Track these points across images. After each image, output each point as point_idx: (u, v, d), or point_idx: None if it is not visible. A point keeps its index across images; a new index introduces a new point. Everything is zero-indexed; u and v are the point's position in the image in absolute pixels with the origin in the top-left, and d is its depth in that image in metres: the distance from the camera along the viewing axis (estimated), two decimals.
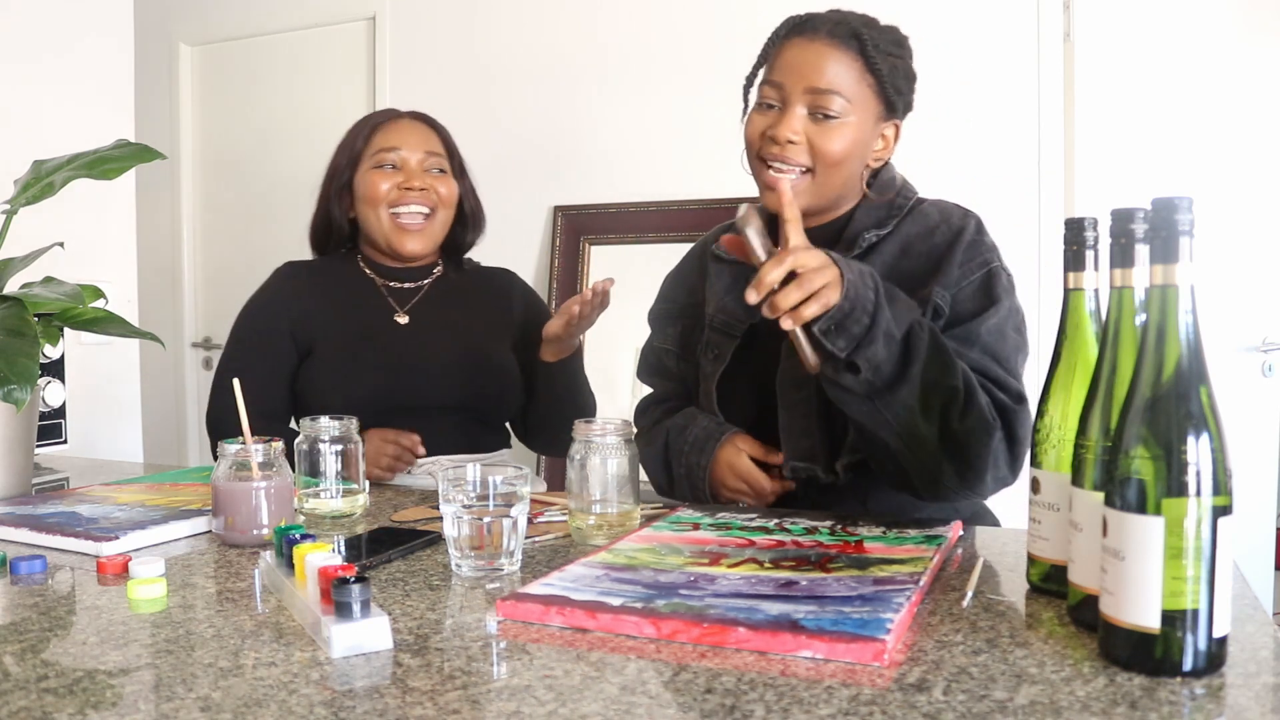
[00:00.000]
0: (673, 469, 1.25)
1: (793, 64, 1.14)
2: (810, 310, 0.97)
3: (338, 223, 1.63)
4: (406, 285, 1.64)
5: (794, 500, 1.21)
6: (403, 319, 1.60)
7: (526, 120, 2.86)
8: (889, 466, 1.11)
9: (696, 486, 1.22)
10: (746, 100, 1.22)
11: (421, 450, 1.45)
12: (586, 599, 0.77)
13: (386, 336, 1.57)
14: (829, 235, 1.22)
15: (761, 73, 1.20)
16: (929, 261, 1.15)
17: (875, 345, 1.00)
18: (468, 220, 1.68)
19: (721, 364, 1.23)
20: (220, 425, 1.52)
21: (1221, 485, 0.62)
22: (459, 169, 1.67)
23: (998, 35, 2.39)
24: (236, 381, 1.10)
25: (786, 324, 0.98)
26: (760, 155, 1.18)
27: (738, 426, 1.23)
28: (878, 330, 1.00)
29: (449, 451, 1.52)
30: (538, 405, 1.61)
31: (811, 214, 1.19)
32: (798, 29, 1.16)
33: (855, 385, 1.03)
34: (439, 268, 1.68)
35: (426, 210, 1.59)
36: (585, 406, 1.62)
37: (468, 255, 1.74)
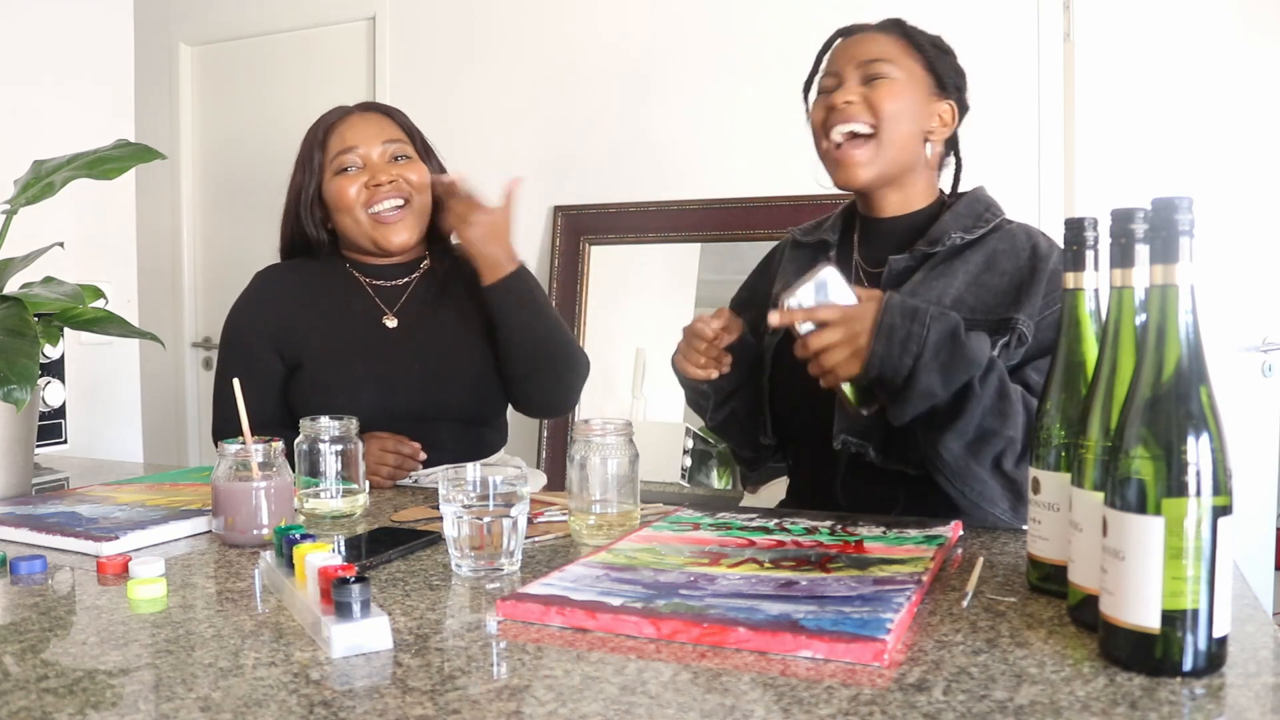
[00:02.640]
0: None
1: (843, 53, 1.27)
2: (829, 381, 1.08)
3: (315, 237, 1.58)
4: (394, 283, 1.58)
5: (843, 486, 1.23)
6: (391, 322, 1.55)
7: (526, 120, 2.86)
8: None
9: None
10: (807, 104, 1.31)
11: (423, 457, 1.41)
12: (586, 599, 0.77)
13: (375, 345, 1.52)
14: (911, 231, 1.27)
15: (818, 75, 1.30)
16: (1013, 281, 1.19)
17: (907, 405, 1.06)
18: (441, 203, 1.59)
19: (777, 336, 1.28)
20: (225, 437, 1.50)
21: (1221, 485, 0.62)
22: (423, 151, 1.60)
23: (998, 35, 2.39)
24: (236, 381, 1.10)
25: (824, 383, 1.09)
26: (824, 127, 1.25)
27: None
28: (912, 392, 1.05)
29: (452, 460, 1.47)
30: (505, 357, 1.52)
31: (884, 186, 1.26)
32: (844, 32, 1.29)
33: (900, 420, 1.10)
34: (426, 261, 1.62)
35: (400, 202, 1.53)
36: (558, 342, 1.55)
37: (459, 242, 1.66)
